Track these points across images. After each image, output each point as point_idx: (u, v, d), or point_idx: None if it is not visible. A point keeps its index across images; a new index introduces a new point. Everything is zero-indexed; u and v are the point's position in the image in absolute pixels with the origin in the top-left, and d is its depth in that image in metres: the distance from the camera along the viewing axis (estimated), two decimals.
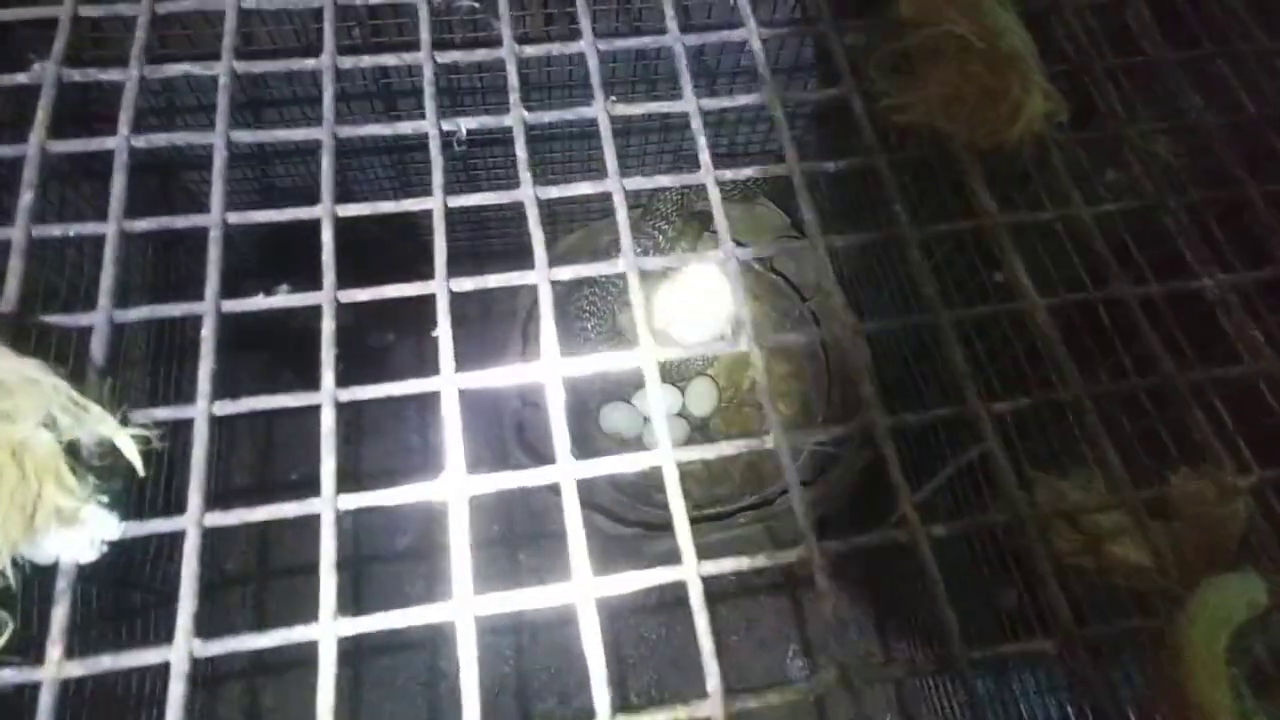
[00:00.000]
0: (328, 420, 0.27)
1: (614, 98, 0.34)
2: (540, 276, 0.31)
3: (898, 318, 0.38)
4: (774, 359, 1.22)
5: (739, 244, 0.32)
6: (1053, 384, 0.31)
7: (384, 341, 1.26)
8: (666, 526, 0.99)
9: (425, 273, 0.30)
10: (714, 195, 0.33)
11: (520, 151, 0.33)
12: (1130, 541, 0.28)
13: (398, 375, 0.28)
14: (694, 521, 0.99)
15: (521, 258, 0.30)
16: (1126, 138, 0.34)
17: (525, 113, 0.34)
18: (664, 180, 0.34)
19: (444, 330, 0.29)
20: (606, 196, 0.32)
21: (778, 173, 0.33)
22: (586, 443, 1.09)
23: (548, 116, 0.35)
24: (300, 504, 0.26)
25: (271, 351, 1.16)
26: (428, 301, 0.30)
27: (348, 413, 1.24)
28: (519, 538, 1.15)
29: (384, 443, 1.20)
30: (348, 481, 0.26)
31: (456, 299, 0.29)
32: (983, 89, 0.32)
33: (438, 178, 0.32)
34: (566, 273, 0.31)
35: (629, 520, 0.99)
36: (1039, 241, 0.51)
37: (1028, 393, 0.29)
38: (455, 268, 0.30)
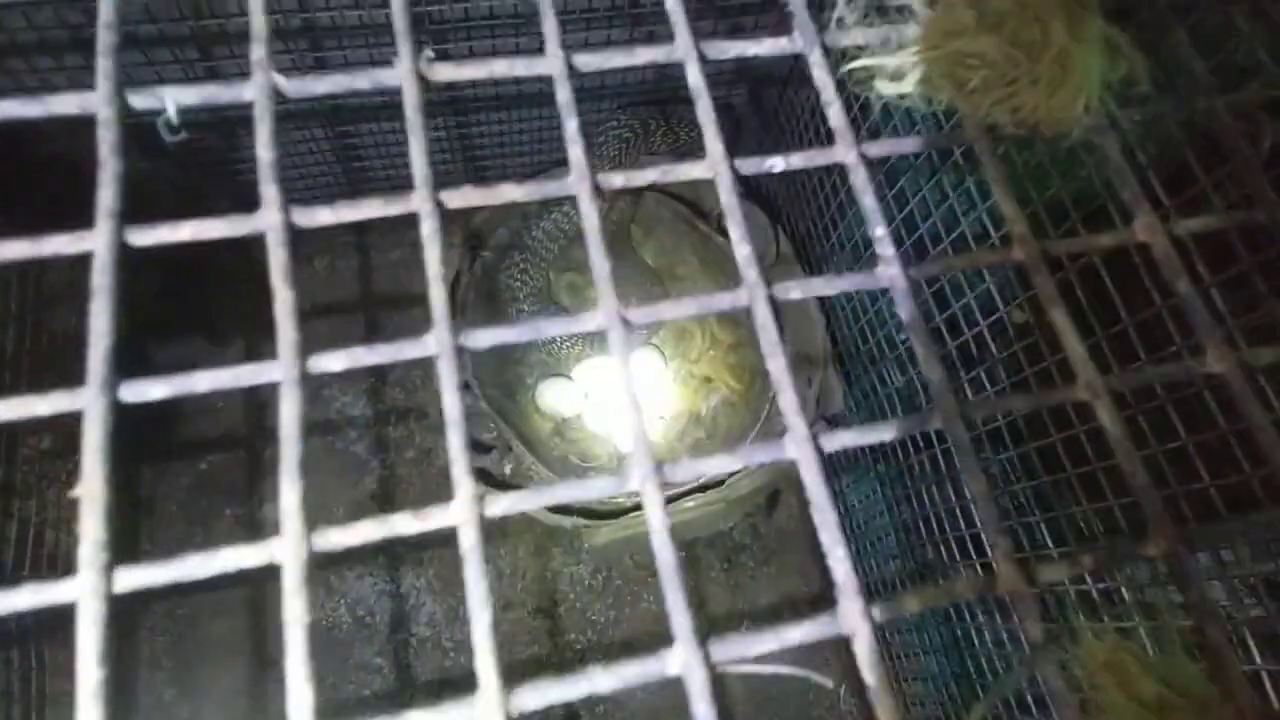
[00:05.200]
0: None
1: None
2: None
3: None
4: (719, 328, 1.14)
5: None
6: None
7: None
8: (608, 515, 0.90)
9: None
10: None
11: None
12: None
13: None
14: (639, 507, 0.91)
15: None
16: (1210, 113, 0.23)
17: None
18: None
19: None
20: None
21: (695, 174, 0.22)
22: (523, 423, 0.99)
23: None
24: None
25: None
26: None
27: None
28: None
29: None
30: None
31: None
32: (1009, 39, 0.20)
33: None
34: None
35: (569, 509, 0.89)
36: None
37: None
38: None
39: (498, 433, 0.89)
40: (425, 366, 1.10)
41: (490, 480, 0.89)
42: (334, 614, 0.97)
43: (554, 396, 1.04)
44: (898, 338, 0.83)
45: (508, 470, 0.91)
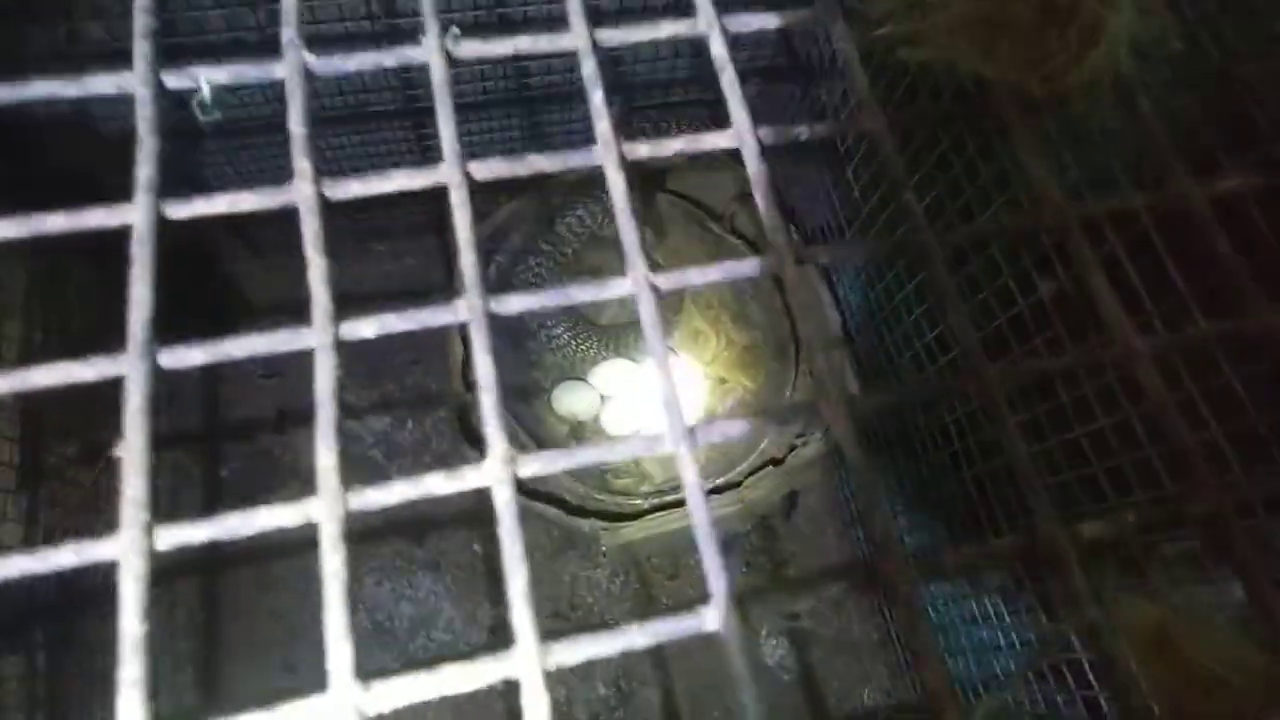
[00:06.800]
0: None
1: None
2: None
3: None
4: (734, 329, 1.14)
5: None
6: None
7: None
8: (626, 516, 0.90)
9: None
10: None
11: None
12: None
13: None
14: (658, 509, 0.90)
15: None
16: (1245, 86, 0.24)
17: None
18: None
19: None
20: None
21: (720, 144, 0.22)
22: (538, 426, 0.99)
23: None
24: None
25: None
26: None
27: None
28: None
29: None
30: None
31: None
32: (1039, 4, 0.20)
33: None
34: None
35: (586, 511, 0.89)
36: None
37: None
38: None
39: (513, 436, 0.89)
40: (438, 376, 1.11)
41: None
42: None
43: (570, 400, 1.04)
44: (914, 336, 0.83)
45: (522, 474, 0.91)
